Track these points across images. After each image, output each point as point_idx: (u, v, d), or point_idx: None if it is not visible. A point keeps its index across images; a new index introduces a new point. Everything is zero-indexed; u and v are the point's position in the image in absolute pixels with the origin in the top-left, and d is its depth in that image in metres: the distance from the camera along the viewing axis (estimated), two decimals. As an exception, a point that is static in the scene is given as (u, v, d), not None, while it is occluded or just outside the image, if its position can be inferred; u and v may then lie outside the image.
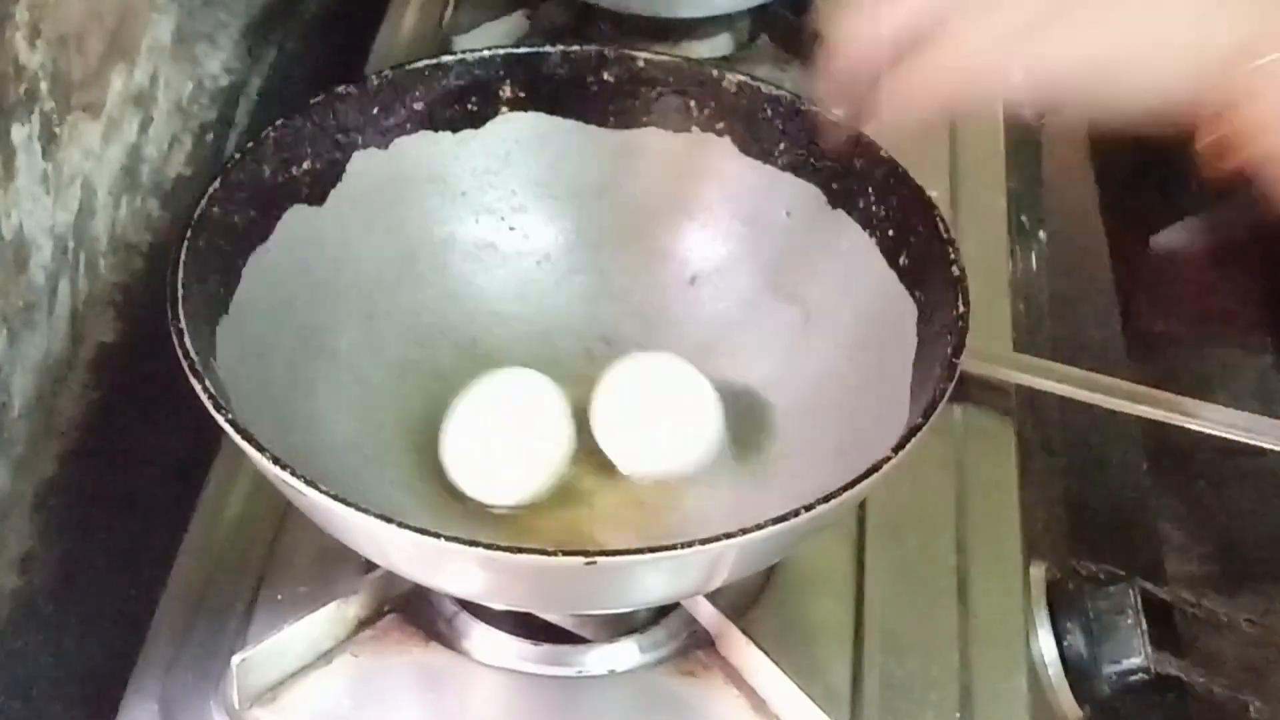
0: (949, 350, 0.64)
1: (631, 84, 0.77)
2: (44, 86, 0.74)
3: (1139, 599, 0.74)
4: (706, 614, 0.69)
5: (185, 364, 0.61)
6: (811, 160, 0.74)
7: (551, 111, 0.77)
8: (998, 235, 0.92)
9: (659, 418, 0.71)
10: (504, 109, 0.77)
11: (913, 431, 0.61)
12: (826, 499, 0.59)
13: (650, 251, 0.78)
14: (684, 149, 0.77)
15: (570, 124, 0.77)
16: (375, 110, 0.75)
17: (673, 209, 0.78)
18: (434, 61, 0.76)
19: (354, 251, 0.74)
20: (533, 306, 0.78)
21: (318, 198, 0.73)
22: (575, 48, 0.77)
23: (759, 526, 0.58)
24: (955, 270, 0.67)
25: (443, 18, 1.05)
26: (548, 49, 0.77)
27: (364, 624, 0.70)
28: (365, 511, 0.58)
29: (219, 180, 0.69)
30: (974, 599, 0.73)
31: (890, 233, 0.71)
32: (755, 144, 0.76)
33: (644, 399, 0.72)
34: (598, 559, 0.57)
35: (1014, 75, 0.63)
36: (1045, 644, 0.73)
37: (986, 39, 0.63)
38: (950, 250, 0.68)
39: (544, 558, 0.59)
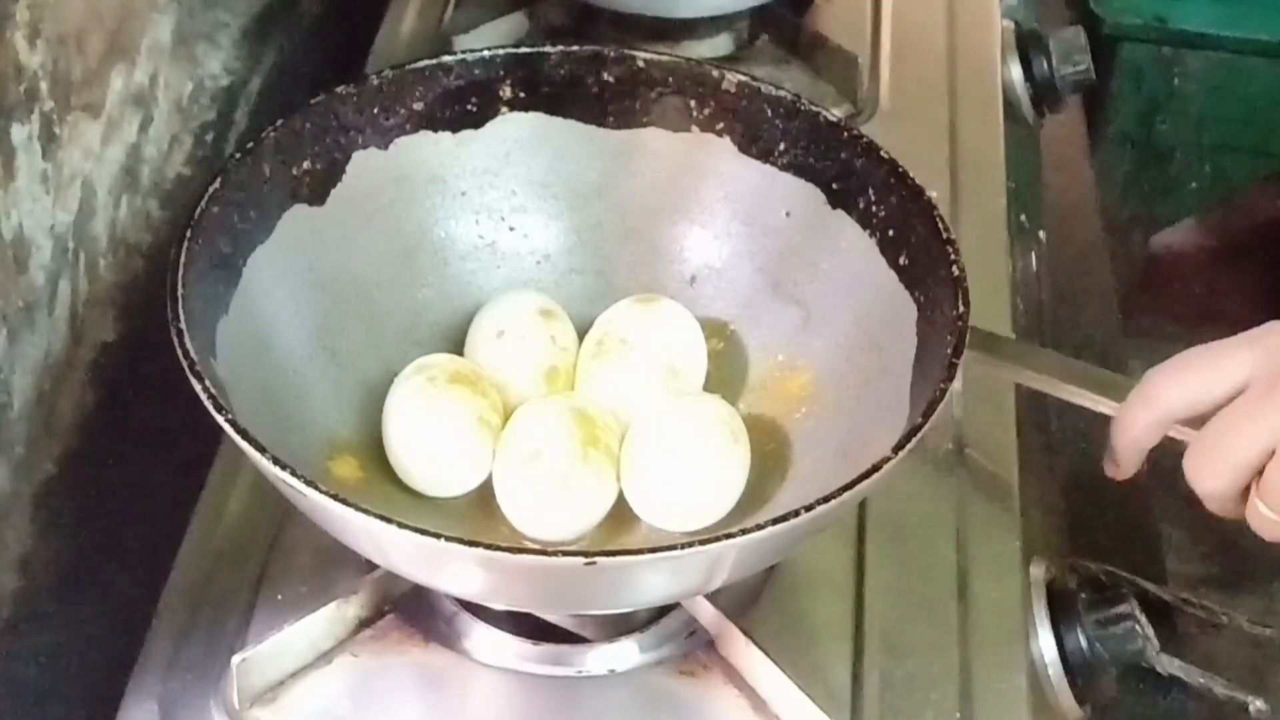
0: (949, 350, 0.64)
1: (631, 84, 0.77)
2: (44, 86, 0.74)
3: (1139, 599, 0.74)
4: (706, 614, 0.69)
5: (185, 364, 0.61)
6: (811, 160, 0.74)
7: (551, 111, 0.77)
8: (998, 235, 0.92)
9: (689, 473, 0.69)
10: (504, 109, 0.77)
11: (913, 431, 0.61)
12: (826, 499, 0.59)
13: (650, 252, 0.78)
14: (684, 149, 0.77)
15: (570, 124, 0.77)
16: (375, 110, 0.75)
17: (673, 209, 0.78)
18: (434, 61, 0.76)
19: (354, 251, 0.74)
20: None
21: (318, 198, 0.73)
22: (575, 48, 0.77)
23: (759, 526, 0.58)
24: (955, 270, 0.67)
25: (443, 18, 1.05)
26: (548, 49, 0.77)
27: (364, 624, 0.70)
28: (365, 511, 0.58)
29: (219, 180, 0.69)
30: (974, 599, 0.73)
31: (890, 233, 0.71)
32: (755, 144, 0.76)
33: (676, 451, 0.69)
34: (598, 559, 0.57)
35: None
36: (1045, 644, 0.73)
37: None
38: (950, 250, 0.68)
39: (544, 558, 0.59)
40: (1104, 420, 0.73)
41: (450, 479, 0.70)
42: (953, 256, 0.68)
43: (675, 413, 0.70)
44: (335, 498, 0.58)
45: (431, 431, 0.70)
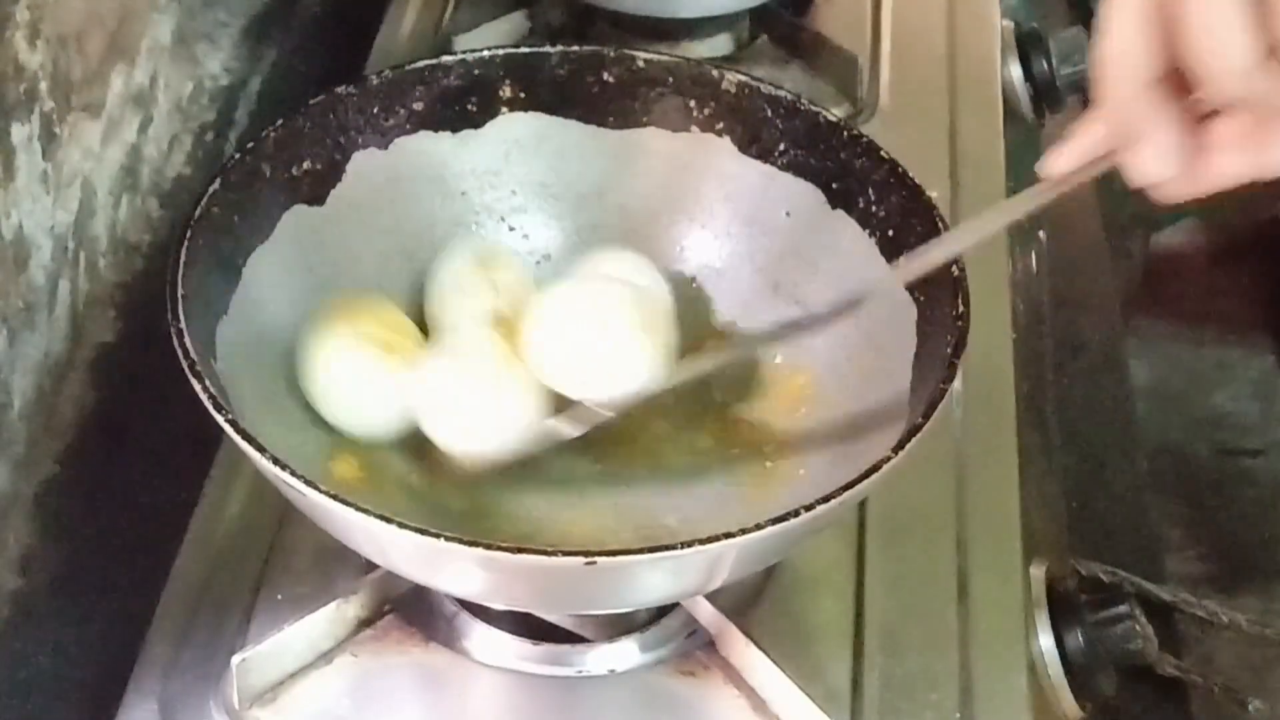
0: (949, 350, 0.64)
1: (631, 84, 0.77)
2: (44, 86, 0.74)
3: (1139, 599, 0.74)
4: (706, 614, 0.69)
5: (185, 364, 0.61)
6: (811, 160, 0.74)
7: (551, 111, 0.77)
8: (998, 235, 0.92)
9: (595, 341, 0.69)
10: (504, 109, 0.77)
11: (913, 431, 0.61)
12: (826, 499, 0.59)
13: (650, 252, 0.78)
14: (684, 149, 0.77)
15: (570, 124, 0.77)
16: (375, 110, 0.75)
17: (673, 209, 0.78)
18: (434, 61, 0.76)
19: (354, 251, 0.74)
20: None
21: (318, 198, 0.73)
22: (575, 48, 0.77)
23: (759, 526, 0.58)
24: (955, 270, 0.67)
25: (443, 18, 1.05)
26: (548, 49, 0.77)
27: (364, 624, 0.70)
28: (365, 511, 0.58)
29: (219, 180, 0.69)
30: (974, 599, 0.73)
31: (890, 233, 0.71)
32: (755, 144, 0.76)
33: (578, 322, 0.69)
34: (598, 559, 0.57)
35: None
36: (1045, 644, 0.73)
37: None
38: (950, 250, 0.68)
39: (544, 558, 0.59)
40: (1104, 421, 0.73)
41: (371, 417, 0.70)
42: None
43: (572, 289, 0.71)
44: (335, 498, 0.58)
45: (342, 373, 0.69)
